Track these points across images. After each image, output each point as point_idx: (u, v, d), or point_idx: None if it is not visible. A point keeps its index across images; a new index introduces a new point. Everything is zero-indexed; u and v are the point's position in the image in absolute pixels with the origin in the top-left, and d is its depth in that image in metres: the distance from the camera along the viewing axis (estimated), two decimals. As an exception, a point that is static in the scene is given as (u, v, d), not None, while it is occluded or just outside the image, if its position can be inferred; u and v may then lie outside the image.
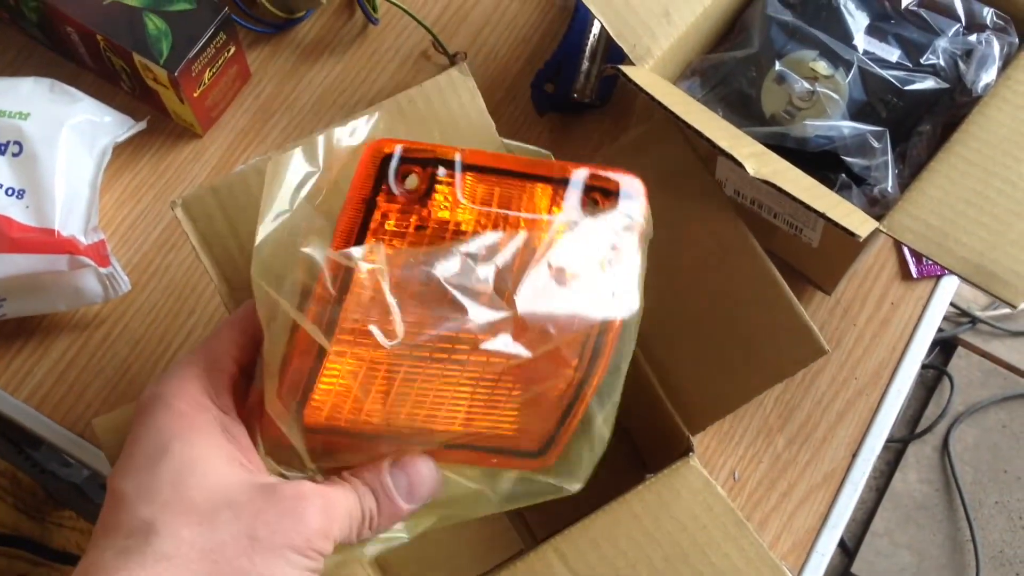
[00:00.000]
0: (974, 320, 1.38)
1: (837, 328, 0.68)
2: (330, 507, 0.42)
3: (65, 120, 0.67)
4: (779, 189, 0.53)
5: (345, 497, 0.43)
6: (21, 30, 0.75)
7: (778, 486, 0.64)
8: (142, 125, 0.71)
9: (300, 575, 0.40)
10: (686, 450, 0.56)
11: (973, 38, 0.63)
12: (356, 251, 0.42)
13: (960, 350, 1.40)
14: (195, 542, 0.38)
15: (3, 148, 0.65)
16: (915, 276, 0.70)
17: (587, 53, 0.73)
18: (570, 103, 0.73)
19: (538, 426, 0.46)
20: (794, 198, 0.53)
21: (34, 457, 0.67)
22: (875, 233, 0.54)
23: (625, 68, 0.58)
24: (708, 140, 0.54)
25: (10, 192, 0.64)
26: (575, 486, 0.48)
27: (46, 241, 0.63)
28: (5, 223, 0.63)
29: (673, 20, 0.62)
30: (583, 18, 0.74)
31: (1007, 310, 1.39)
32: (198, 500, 0.39)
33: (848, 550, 1.32)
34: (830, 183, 0.62)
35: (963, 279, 0.55)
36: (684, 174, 0.57)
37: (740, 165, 0.54)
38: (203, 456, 0.41)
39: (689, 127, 0.55)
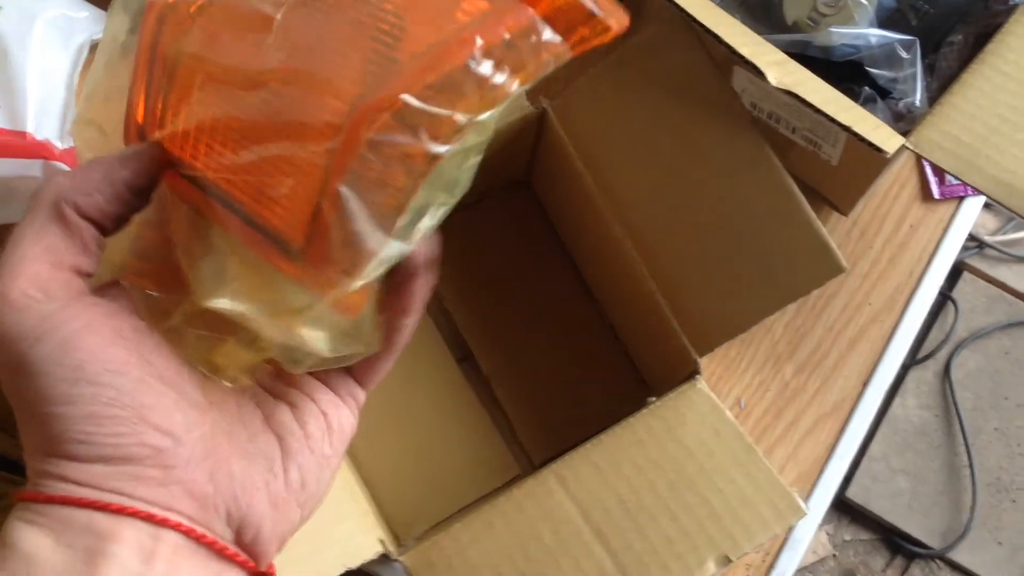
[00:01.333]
0: (981, 244, 1.35)
1: (853, 251, 0.65)
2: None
3: (39, 13, 0.63)
4: (802, 100, 0.49)
5: None
6: (-9, -83, 0.70)
7: (785, 415, 0.62)
8: (121, 22, 0.66)
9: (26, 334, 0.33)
10: (692, 373, 0.53)
11: (1013, -59, 0.59)
12: None
13: (966, 275, 1.37)
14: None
15: (-28, 45, 0.61)
16: (937, 197, 0.67)
17: (596, -48, 0.68)
18: (577, 6, 0.69)
19: (290, 208, 0.33)
20: (818, 110, 0.49)
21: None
22: (899, 150, 0.51)
23: (639, -34, 0.54)
24: (727, 46, 0.50)
25: (-20, 92, 0.60)
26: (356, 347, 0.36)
27: (18, 144, 0.60)
28: (-25, 125, 0.59)
29: (691, -84, 0.58)
30: (593, -86, 0.69)
31: (1016, 235, 1.36)
32: None
33: (844, 475, 1.32)
34: (853, 96, 0.58)
35: (994, 200, 0.52)
36: (698, 81, 0.54)
37: (761, 74, 0.50)
38: None
39: (707, 31, 0.51)
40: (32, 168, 0.60)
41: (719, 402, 0.50)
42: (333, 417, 0.39)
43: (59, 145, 0.61)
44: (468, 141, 0.32)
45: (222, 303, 0.35)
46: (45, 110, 0.61)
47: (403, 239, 0.33)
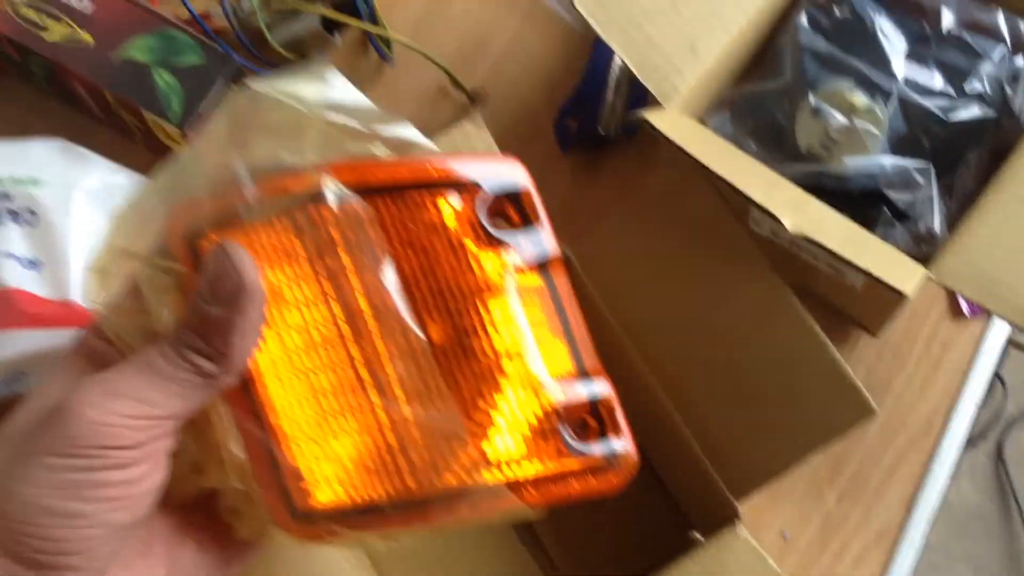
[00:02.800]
0: (1024, 316, 1.34)
1: (886, 372, 0.65)
2: (109, 391, 0.36)
3: (78, 184, 0.65)
4: (820, 245, 0.50)
5: (134, 366, 0.37)
6: (30, 84, 0.74)
7: (831, 545, 0.61)
8: (156, 183, 0.69)
9: (70, 477, 0.35)
10: (731, 516, 0.53)
11: (1020, 61, 0.60)
12: None
13: (1012, 352, 1.35)
14: None
15: (17, 218, 0.64)
16: (967, 315, 0.67)
17: (611, 85, 0.70)
18: (595, 138, 0.70)
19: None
20: (837, 255, 0.50)
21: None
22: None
23: (649, 114, 0.55)
24: (742, 194, 0.52)
25: (25, 264, 0.63)
26: None
27: (64, 314, 0.62)
28: (22, 297, 0.62)
29: (699, 54, 0.59)
30: (605, 49, 0.71)
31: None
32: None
33: (902, 560, 1.29)
34: (872, 220, 0.59)
35: (1017, 327, 0.52)
36: (715, 226, 0.55)
37: (777, 220, 0.51)
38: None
39: (721, 180, 0.52)
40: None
41: (760, 549, 0.50)
42: None
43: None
44: None
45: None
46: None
47: None
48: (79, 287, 0.63)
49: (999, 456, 1.31)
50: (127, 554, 0.38)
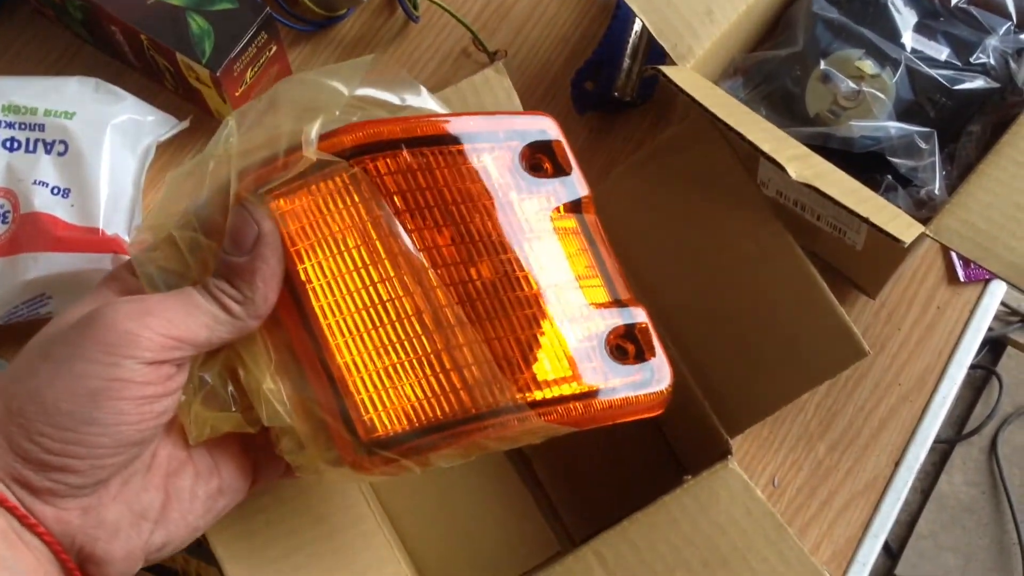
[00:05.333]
0: (1024, 319, 1.36)
1: (881, 332, 0.67)
2: (143, 309, 0.39)
3: (109, 119, 0.68)
4: (822, 193, 0.52)
5: (172, 295, 0.40)
6: (67, 28, 0.76)
7: (818, 494, 0.63)
8: (185, 124, 0.71)
9: (92, 384, 0.37)
10: (724, 453, 0.55)
11: (1025, 36, 0.62)
12: None
13: (1010, 350, 1.37)
14: (1, 379, 0.39)
15: (49, 147, 0.66)
16: (962, 280, 0.69)
17: (628, 51, 0.72)
18: (611, 101, 0.72)
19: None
20: (837, 202, 0.52)
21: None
22: (921, 237, 0.53)
23: (665, 68, 0.57)
24: (750, 143, 0.53)
25: (56, 191, 0.65)
26: None
27: (90, 240, 0.64)
28: (51, 222, 0.64)
29: (715, 18, 0.61)
30: (624, 16, 0.73)
31: (1059, 309, 1.36)
32: (31, 345, 0.40)
33: (892, 552, 1.31)
34: (875, 184, 0.61)
35: (1012, 285, 0.53)
36: (722, 175, 0.57)
37: (782, 168, 0.53)
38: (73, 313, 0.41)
39: (731, 129, 0.54)
40: (102, 262, 0.64)
41: (750, 481, 0.52)
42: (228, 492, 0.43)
43: (127, 240, 0.65)
44: None
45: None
46: (115, 208, 0.66)
47: None
48: (105, 214, 0.65)
49: (993, 451, 1.32)
50: (128, 472, 0.41)
